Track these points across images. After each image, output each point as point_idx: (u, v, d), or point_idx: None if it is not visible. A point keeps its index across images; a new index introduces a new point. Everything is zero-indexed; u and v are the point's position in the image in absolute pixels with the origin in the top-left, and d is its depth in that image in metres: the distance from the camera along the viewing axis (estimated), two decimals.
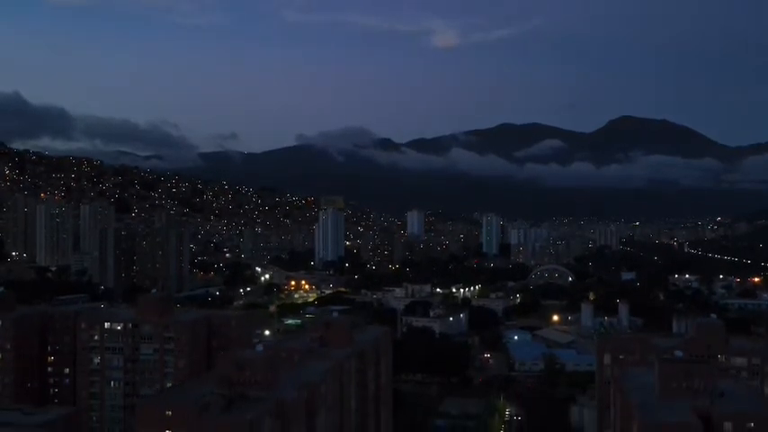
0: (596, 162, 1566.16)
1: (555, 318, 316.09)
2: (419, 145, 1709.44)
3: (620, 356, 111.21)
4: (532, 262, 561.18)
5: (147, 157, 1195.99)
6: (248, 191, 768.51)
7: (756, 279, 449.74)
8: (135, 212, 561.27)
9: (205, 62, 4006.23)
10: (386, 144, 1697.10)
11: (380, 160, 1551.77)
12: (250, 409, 75.40)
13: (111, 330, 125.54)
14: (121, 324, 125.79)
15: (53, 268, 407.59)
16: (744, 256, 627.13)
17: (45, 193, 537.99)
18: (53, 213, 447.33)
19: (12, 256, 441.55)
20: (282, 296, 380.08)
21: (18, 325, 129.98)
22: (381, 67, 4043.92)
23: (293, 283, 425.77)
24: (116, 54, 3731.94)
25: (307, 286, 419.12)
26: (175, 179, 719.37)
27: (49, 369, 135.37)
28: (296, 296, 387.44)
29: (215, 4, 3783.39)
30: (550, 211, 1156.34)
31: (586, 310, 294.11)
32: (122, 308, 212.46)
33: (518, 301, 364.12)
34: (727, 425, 71.42)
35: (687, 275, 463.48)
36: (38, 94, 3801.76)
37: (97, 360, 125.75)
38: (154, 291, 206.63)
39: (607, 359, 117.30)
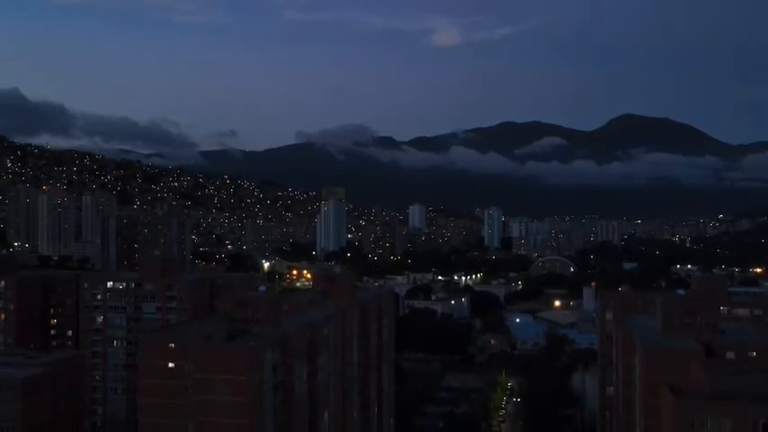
0: (598, 160, 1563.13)
1: (557, 303, 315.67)
2: (420, 143, 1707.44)
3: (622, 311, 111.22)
4: (535, 254, 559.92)
5: (149, 156, 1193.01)
6: (250, 185, 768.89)
7: (758, 270, 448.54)
8: (137, 205, 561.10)
9: (205, 60, 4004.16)
10: (386, 142, 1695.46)
11: (381, 158, 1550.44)
12: (252, 341, 75.58)
13: (113, 289, 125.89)
14: (124, 283, 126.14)
15: (55, 257, 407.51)
16: (746, 251, 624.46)
17: (47, 186, 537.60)
18: (55, 204, 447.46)
19: (14, 247, 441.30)
20: (285, 284, 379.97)
21: (21, 286, 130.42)
22: (383, 66, 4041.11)
23: (295, 272, 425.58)
24: (116, 52, 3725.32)
25: (308, 275, 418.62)
26: (177, 173, 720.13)
27: (52, 332, 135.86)
28: (298, 284, 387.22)
29: (216, 3, 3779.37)
30: (552, 209, 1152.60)
31: (588, 294, 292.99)
32: None
33: (520, 287, 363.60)
34: (730, 354, 71.27)
35: (689, 266, 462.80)
36: (37, 91, 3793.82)
37: (100, 319, 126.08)
38: (156, 252, 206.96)
39: (609, 315, 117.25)
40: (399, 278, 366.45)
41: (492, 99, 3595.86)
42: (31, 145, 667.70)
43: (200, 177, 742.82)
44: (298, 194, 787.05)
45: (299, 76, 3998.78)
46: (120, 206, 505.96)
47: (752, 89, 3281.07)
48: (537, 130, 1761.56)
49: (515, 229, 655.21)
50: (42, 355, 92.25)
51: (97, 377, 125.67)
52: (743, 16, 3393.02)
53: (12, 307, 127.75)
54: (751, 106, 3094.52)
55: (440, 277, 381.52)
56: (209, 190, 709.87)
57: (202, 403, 70.33)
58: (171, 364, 76.93)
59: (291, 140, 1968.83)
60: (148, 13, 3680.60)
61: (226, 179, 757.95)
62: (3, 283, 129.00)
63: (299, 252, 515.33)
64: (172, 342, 77.97)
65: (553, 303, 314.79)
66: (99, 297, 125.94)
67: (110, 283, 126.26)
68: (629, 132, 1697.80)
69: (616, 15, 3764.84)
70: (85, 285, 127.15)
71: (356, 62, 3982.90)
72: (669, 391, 52.07)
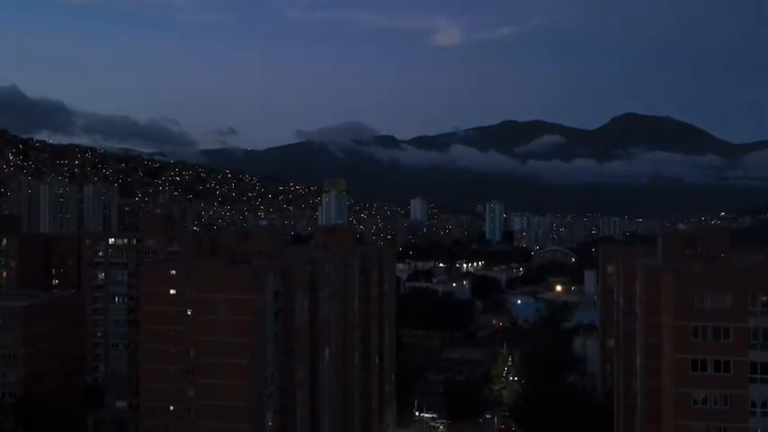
0: (599, 159, 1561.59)
1: (558, 288, 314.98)
2: (421, 142, 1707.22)
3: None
4: (536, 247, 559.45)
5: (150, 154, 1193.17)
6: (251, 179, 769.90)
7: None
8: (138, 197, 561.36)
9: (205, 59, 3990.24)
10: (387, 141, 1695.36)
11: (382, 157, 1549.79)
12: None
13: (115, 246, 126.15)
14: (125, 240, 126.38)
15: None
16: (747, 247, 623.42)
17: (48, 179, 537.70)
18: (57, 194, 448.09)
19: None
20: None
21: (23, 244, 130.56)
22: (383, 66, 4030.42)
23: None
24: (115, 50, 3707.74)
25: None
26: (179, 167, 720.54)
27: (54, 291, 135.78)
28: None
29: (216, 3, 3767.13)
30: (553, 208, 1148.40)
31: (589, 276, 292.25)
32: None
33: (521, 273, 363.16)
34: None
35: None
36: (36, 88, 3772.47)
37: (101, 276, 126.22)
38: (158, 211, 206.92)
39: (610, 269, 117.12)
40: (401, 265, 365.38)
41: (493, 98, 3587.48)
42: (32, 139, 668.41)
43: (201, 172, 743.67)
44: (299, 189, 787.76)
45: (300, 75, 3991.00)
46: (121, 197, 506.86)
47: (753, 88, 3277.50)
48: (538, 128, 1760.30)
49: (517, 223, 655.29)
50: (45, 294, 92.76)
51: (98, 333, 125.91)
52: (744, 15, 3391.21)
53: (13, 264, 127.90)
54: (752, 105, 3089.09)
55: (441, 265, 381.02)
56: (210, 184, 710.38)
57: (203, 323, 70.61)
58: (172, 291, 77.22)
59: (292, 139, 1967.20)
60: (149, 12, 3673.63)
61: (227, 174, 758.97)
62: (5, 241, 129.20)
63: (300, 243, 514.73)
64: (173, 269, 78.25)
65: (554, 288, 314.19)
66: (101, 254, 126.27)
67: (111, 240, 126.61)
68: (630, 131, 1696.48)
69: (617, 15, 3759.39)
70: (87, 242, 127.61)
71: (357, 61, 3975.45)
72: (668, 272, 52.22)
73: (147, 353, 77.86)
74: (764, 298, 48.26)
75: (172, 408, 75.99)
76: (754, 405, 48.53)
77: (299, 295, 79.92)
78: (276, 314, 75.91)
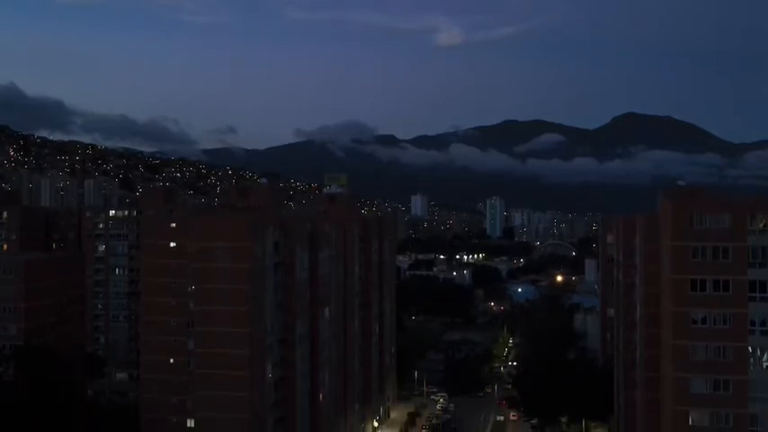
0: (599, 158, 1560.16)
1: (559, 278, 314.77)
2: (421, 141, 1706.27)
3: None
4: (537, 243, 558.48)
5: (150, 153, 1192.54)
6: (252, 176, 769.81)
7: None
8: (139, 192, 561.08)
9: (206, 59, 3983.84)
10: (387, 140, 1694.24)
11: (382, 156, 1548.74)
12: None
13: (115, 217, 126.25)
14: (126, 211, 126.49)
15: None
16: None
17: (50, 173, 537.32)
18: (58, 187, 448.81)
19: None
20: None
21: (24, 217, 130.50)
22: (384, 66, 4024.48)
23: None
24: (115, 50, 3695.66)
25: None
26: (179, 164, 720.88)
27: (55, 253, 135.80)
28: None
29: (218, 3, 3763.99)
30: (553, 207, 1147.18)
31: (590, 266, 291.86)
32: None
33: (522, 264, 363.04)
34: None
35: None
36: (35, 86, 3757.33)
37: (102, 248, 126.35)
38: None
39: (610, 238, 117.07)
40: (402, 257, 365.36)
41: (493, 98, 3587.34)
42: (33, 135, 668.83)
43: (202, 168, 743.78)
44: (300, 186, 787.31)
45: (300, 75, 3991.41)
46: (122, 191, 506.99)
47: (754, 87, 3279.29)
48: (538, 127, 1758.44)
49: (517, 218, 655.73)
50: (46, 255, 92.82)
51: (99, 306, 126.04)
52: (745, 14, 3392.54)
53: (14, 237, 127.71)
54: (752, 105, 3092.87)
55: (441, 257, 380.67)
56: (211, 181, 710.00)
57: (203, 271, 70.74)
58: (172, 244, 77.44)
59: (292, 138, 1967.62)
60: (149, 12, 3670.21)
61: (228, 170, 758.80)
62: (5, 214, 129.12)
63: None
64: (172, 222, 78.37)
65: (555, 278, 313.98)
66: (101, 226, 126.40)
67: (111, 212, 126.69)
68: (630, 130, 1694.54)
69: (617, 14, 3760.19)
70: (87, 215, 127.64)
71: (357, 61, 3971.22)
72: (667, 199, 52.18)
73: (148, 306, 78.01)
74: (763, 218, 48.28)
75: (172, 360, 76.25)
76: (753, 324, 48.64)
77: (299, 250, 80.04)
78: (276, 266, 76.05)
